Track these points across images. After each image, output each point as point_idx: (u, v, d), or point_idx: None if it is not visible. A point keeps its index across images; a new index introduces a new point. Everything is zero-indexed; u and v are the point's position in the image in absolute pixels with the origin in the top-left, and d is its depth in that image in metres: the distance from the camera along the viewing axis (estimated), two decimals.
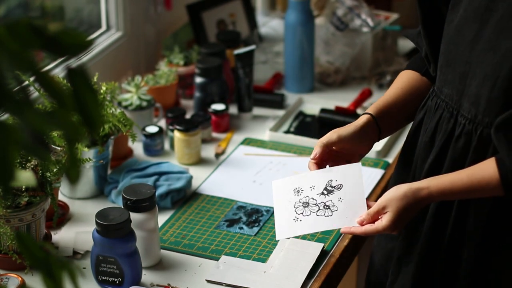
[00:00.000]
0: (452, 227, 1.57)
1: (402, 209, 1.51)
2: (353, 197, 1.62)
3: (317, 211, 1.62)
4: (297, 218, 1.63)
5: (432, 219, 1.59)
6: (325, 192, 1.64)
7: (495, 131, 1.46)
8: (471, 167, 1.50)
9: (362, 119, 1.67)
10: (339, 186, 1.64)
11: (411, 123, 1.71)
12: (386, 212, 1.53)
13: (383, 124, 1.68)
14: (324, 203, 1.63)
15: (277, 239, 1.64)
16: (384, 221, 1.53)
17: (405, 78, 1.73)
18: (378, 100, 1.71)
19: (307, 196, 1.65)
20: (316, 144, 1.66)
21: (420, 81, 1.71)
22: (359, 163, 1.66)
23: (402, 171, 1.70)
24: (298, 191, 1.66)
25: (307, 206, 1.63)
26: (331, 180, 1.65)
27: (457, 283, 1.59)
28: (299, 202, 1.64)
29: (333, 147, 1.66)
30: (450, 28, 1.56)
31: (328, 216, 1.61)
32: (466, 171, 1.49)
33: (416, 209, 1.53)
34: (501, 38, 1.45)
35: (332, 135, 1.65)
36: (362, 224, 1.57)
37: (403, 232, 1.66)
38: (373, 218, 1.56)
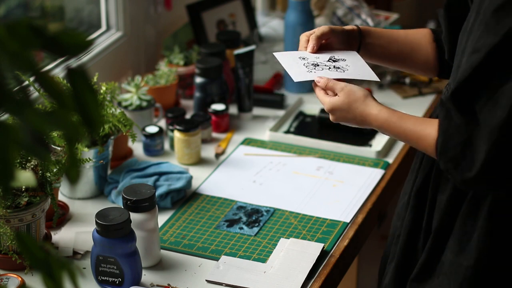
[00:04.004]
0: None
1: (346, 104, 1.60)
2: (358, 65, 1.70)
3: (329, 69, 1.69)
4: (311, 71, 1.68)
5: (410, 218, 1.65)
6: (331, 60, 1.71)
7: (440, 105, 1.50)
8: (421, 118, 1.56)
9: (349, 27, 1.74)
10: (343, 59, 1.71)
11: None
12: (336, 95, 1.62)
13: (365, 41, 1.74)
14: (334, 65, 1.69)
15: (295, 81, 1.68)
16: (331, 99, 1.62)
17: (416, 30, 1.78)
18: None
19: (315, 61, 1.70)
20: (310, 37, 1.71)
21: (427, 42, 1.75)
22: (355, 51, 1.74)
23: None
24: (304, 58, 1.71)
25: (318, 65, 1.69)
26: (334, 56, 1.72)
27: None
28: (308, 63, 1.70)
29: (323, 41, 1.72)
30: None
31: (340, 72, 1.68)
32: (414, 117, 1.56)
33: (354, 118, 1.61)
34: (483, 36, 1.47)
35: (324, 28, 1.71)
36: (318, 82, 1.64)
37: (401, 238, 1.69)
38: (326, 88, 1.63)
